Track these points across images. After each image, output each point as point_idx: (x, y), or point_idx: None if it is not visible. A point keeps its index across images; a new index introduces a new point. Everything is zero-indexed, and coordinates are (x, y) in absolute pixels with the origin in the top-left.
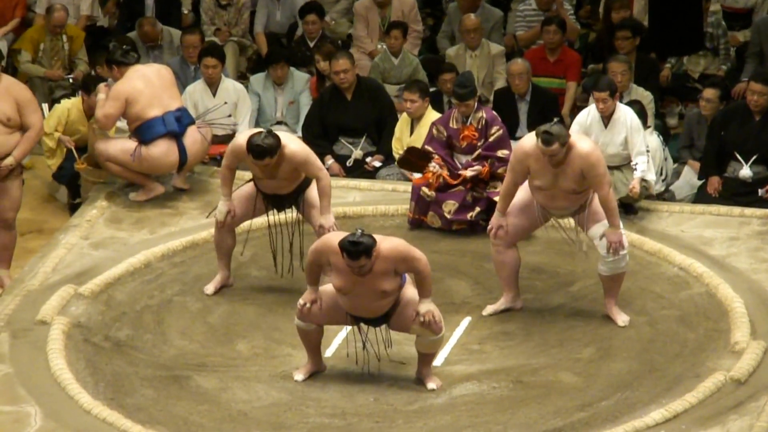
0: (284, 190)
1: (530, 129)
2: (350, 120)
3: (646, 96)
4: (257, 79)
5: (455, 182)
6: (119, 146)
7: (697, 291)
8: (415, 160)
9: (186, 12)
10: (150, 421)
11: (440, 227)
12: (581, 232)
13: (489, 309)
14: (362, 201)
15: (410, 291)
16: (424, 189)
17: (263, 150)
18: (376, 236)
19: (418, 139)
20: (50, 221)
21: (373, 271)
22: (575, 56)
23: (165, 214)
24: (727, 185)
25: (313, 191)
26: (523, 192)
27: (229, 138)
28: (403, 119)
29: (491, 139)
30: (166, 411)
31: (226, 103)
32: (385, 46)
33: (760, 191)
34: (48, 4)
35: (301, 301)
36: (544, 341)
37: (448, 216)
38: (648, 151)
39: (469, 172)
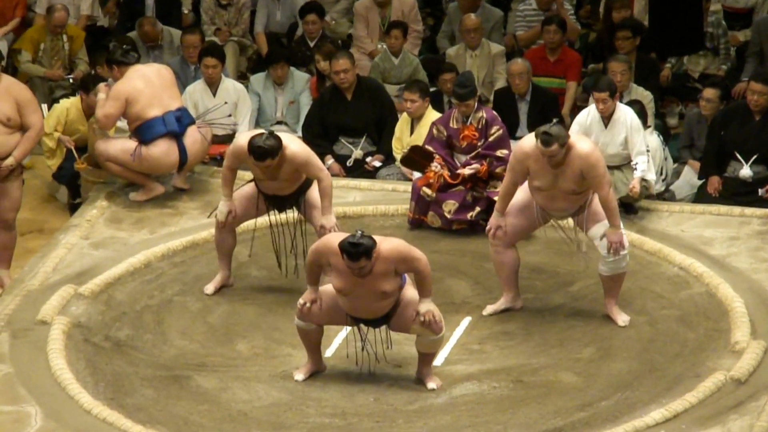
0: (285, 192)
1: (530, 129)
2: (350, 120)
3: (646, 96)
4: (257, 78)
5: (455, 182)
6: (119, 146)
7: (698, 291)
8: (418, 158)
9: (186, 12)
10: (150, 421)
11: (440, 227)
12: (580, 232)
13: (489, 309)
14: (362, 201)
15: (410, 291)
16: (425, 189)
17: (264, 151)
18: (375, 237)
19: (419, 139)
20: (50, 221)
21: (373, 272)
22: (575, 56)
23: (165, 214)
24: (727, 185)
25: (313, 192)
26: (522, 192)
27: (229, 138)
28: (404, 119)
29: (491, 138)
30: (167, 411)
31: (226, 103)
32: (385, 46)
33: (760, 191)
34: (48, 4)
35: (301, 301)
36: (544, 341)
37: (449, 216)
38: (648, 150)
39: (467, 171)
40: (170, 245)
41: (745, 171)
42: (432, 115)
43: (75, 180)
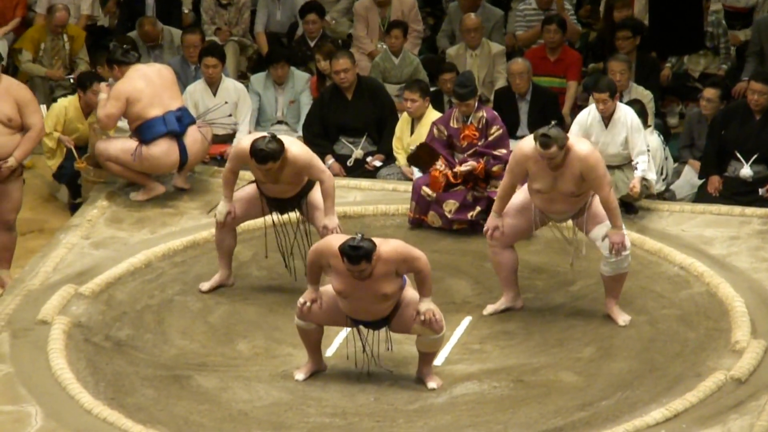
0: (287, 194)
1: (531, 128)
2: (351, 119)
3: (646, 95)
4: (258, 78)
5: (456, 181)
6: (120, 146)
7: (698, 290)
8: (424, 156)
9: (186, 11)
10: (150, 421)
11: (441, 227)
12: (578, 232)
13: (489, 308)
14: (363, 201)
15: (410, 292)
16: (425, 188)
17: (266, 154)
18: (375, 239)
19: (419, 139)
20: (51, 221)
21: (373, 275)
22: (576, 55)
23: (165, 213)
24: (728, 184)
25: (315, 193)
26: (522, 194)
27: (229, 137)
28: (404, 119)
29: (491, 138)
30: (167, 411)
31: (226, 102)
32: (385, 46)
33: (761, 190)
34: (49, 4)
35: (301, 300)
36: (545, 341)
37: (449, 215)
38: (648, 150)
39: (463, 167)
40: (171, 245)
41: (746, 170)
42: (432, 114)
43: (75, 180)
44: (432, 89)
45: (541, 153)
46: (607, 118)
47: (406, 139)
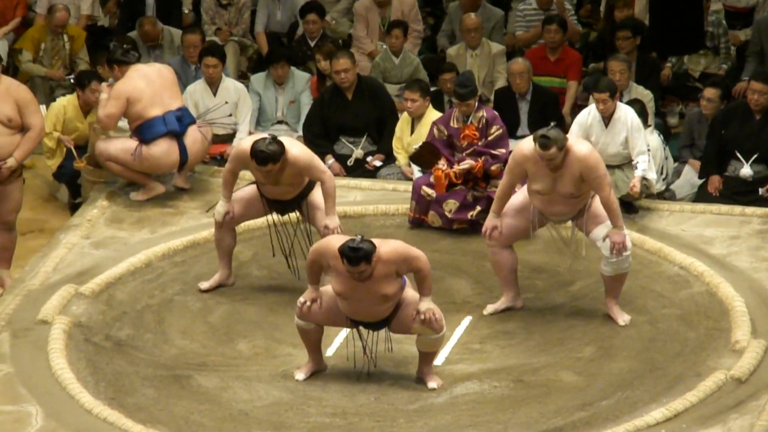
0: (287, 196)
1: (531, 128)
2: (351, 119)
3: (646, 95)
4: (258, 78)
5: (458, 181)
6: (120, 146)
7: (698, 290)
8: (427, 156)
9: (187, 11)
10: (151, 421)
11: (441, 226)
12: (578, 232)
13: (489, 308)
14: (363, 200)
15: (410, 293)
16: (425, 188)
17: (267, 156)
18: (374, 240)
19: (419, 139)
20: (51, 221)
21: (373, 276)
22: (576, 55)
23: (166, 213)
24: (728, 184)
25: (315, 194)
26: (521, 194)
27: (229, 137)
28: (404, 118)
29: (491, 138)
30: (167, 410)
31: (226, 102)
32: (385, 46)
33: (761, 190)
34: (49, 4)
35: (301, 299)
36: (545, 340)
37: (449, 215)
38: (649, 150)
39: (460, 166)
40: (171, 245)
41: (746, 170)
42: (432, 114)
43: (75, 179)
44: (432, 89)
45: (540, 154)
46: (607, 118)
47: (406, 138)
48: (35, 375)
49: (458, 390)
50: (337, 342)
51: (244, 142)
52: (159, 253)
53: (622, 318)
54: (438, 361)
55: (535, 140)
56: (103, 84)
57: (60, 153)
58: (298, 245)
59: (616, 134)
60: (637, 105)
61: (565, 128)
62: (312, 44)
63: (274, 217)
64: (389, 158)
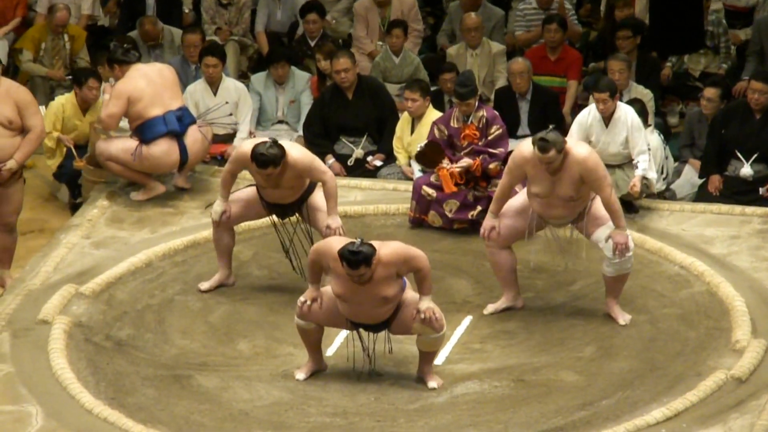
0: (287, 200)
1: (531, 128)
2: (351, 119)
3: (646, 94)
4: (258, 78)
5: (462, 181)
6: (120, 145)
7: (698, 289)
8: (431, 155)
9: (187, 11)
10: (151, 421)
11: (441, 226)
12: (577, 234)
13: (490, 308)
14: (363, 200)
15: (410, 294)
16: (425, 188)
17: (267, 159)
18: (374, 242)
19: (419, 139)
20: (51, 221)
21: (374, 278)
22: (576, 55)
23: (166, 213)
24: (728, 184)
25: (315, 196)
26: (521, 195)
27: (230, 137)
28: (404, 118)
29: (491, 137)
30: (168, 410)
31: (227, 102)
32: (385, 46)
33: (761, 190)
34: (50, 3)
35: (301, 299)
36: (545, 340)
37: (449, 215)
38: (649, 149)
39: (458, 165)
40: (171, 244)
41: (746, 170)
42: (433, 114)
43: (75, 179)
44: (432, 89)
45: (539, 157)
46: (607, 118)
47: (406, 138)
48: (35, 375)
49: (459, 390)
50: (338, 342)
51: (244, 144)
52: (159, 252)
53: (623, 317)
54: (438, 360)
55: (533, 143)
56: (106, 84)
57: (60, 153)
58: (300, 245)
59: (616, 134)
60: (637, 104)
61: (565, 128)
62: (312, 44)
63: (275, 217)
64: (389, 158)
